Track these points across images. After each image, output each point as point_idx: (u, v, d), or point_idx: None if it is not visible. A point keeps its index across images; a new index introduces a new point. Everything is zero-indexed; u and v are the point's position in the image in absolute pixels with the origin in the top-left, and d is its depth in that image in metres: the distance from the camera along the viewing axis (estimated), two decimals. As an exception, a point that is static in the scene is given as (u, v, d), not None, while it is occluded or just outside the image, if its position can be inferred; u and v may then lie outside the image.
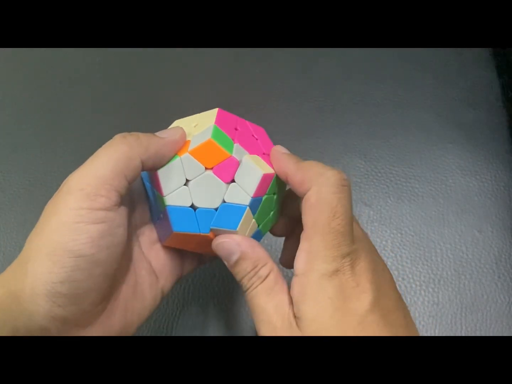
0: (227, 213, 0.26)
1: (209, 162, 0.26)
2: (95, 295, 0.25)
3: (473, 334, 0.38)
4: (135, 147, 0.25)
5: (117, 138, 0.25)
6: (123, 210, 0.26)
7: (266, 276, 0.25)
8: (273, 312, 0.25)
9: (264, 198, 0.27)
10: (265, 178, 0.26)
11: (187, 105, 0.48)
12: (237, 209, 0.26)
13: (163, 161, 0.26)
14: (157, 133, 0.27)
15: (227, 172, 0.26)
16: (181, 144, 0.27)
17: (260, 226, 0.28)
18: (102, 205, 0.24)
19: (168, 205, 0.26)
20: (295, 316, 0.24)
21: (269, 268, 0.26)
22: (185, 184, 0.26)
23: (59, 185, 0.27)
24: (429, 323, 0.38)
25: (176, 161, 0.26)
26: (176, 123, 0.30)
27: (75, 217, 0.23)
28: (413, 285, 0.40)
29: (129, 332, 0.27)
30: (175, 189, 0.26)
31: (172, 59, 0.51)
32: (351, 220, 0.25)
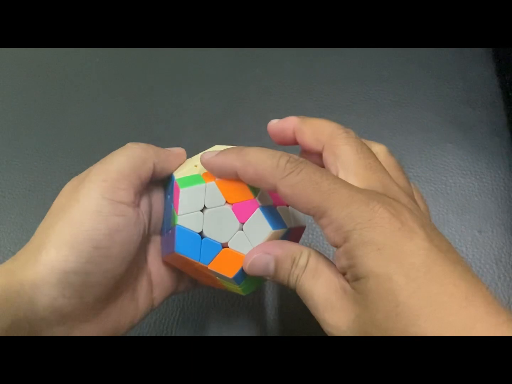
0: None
1: (232, 197, 0.26)
2: (100, 291, 0.25)
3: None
4: (148, 151, 0.27)
5: (131, 144, 0.27)
6: (140, 212, 0.27)
7: (306, 263, 0.24)
8: (324, 290, 0.23)
9: None
10: (274, 235, 0.26)
11: (187, 105, 0.48)
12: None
13: (171, 168, 0.28)
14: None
15: (245, 213, 0.26)
16: (184, 158, 0.29)
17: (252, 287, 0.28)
18: (122, 198, 0.25)
19: (178, 225, 0.26)
20: (350, 283, 0.22)
21: (306, 255, 0.24)
22: (201, 210, 0.26)
23: (60, 186, 0.27)
24: (429, 323, 0.38)
25: (201, 185, 0.26)
26: (216, 147, 0.30)
27: (98, 206, 0.24)
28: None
29: (118, 334, 0.28)
30: (190, 212, 0.26)
31: (172, 59, 0.51)
32: (380, 164, 0.25)
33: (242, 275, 0.26)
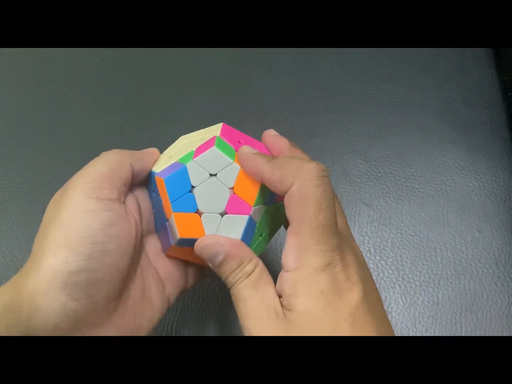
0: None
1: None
2: (108, 288, 0.25)
3: (473, 334, 0.38)
4: (122, 153, 0.28)
5: (105, 152, 0.28)
6: (128, 208, 0.28)
7: (252, 271, 0.26)
8: (258, 304, 0.25)
9: (265, 207, 0.28)
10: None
11: (187, 105, 0.48)
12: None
13: (148, 166, 0.29)
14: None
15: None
16: (157, 155, 0.30)
17: (264, 234, 0.29)
18: (107, 196, 0.26)
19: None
20: (283, 308, 0.24)
21: (254, 264, 0.26)
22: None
23: (60, 185, 0.27)
24: (429, 323, 0.38)
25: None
26: (182, 138, 0.32)
27: (85, 205, 0.25)
28: (413, 285, 0.40)
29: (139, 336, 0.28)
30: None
31: (172, 59, 0.51)
32: (335, 212, 0.25)
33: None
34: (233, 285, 0.26)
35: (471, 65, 0.49)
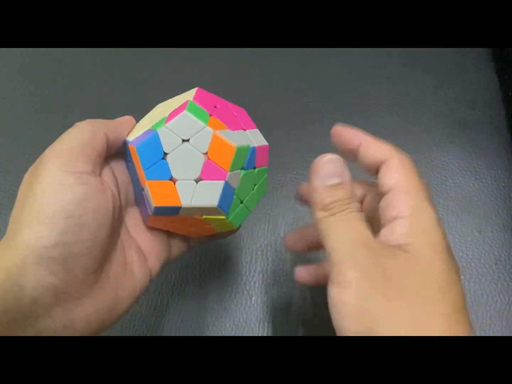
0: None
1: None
2: (86, 260, 0.25)
3: (473, 334, 0.38)
4: (96, 123, 0.28)
5: (78, 122, 0.28)
6: (104, 181, 0.27)
7: (360, 210, 0.25)
8: (372, 237, 0.24)
9: (243, 173, 0.27)
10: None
11: (187, 105, 0.48)
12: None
13: (122, 136, 0.29)
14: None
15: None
16: (133, 123, 0.30)
17: (245, 201, 0.29)
18: (82, 169, 0.25)
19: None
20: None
21: (359, 205, 0.26)
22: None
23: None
24: (429, 323, 0.38)
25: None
26: (159, 106, 0.31)
27: (59, 179, 0.25)
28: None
29: (121, 309, 0.28)
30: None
31: (172, 59, 0.51)
32: None
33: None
34: (343, 211, 0.25)
35: (471, 65, 0.49)
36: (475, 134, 0.46)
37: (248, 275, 0.40)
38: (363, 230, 0.24)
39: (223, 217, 0.27)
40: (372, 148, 0.28)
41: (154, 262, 0.30)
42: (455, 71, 0.49)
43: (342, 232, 0.24)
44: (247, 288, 0.40)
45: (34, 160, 0.27)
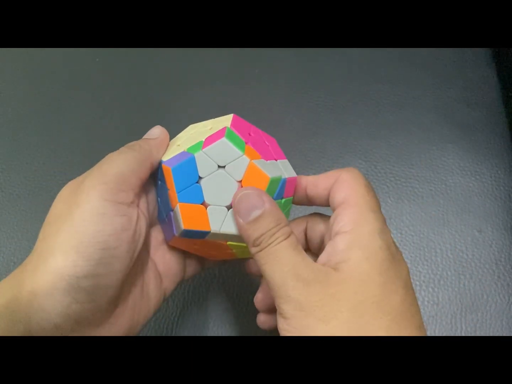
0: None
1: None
2: (112, 292, 0.25)
3: (473, 334, 0.38)
4: (144, 153, 0.27)
5: (127, 147, 0.27)
6: (140, 211, 0.27)
7: (290, 235, 0.25)
8: (302, 264, 0.24)
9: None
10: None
11: (187, 104, 0.48)
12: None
13: (161, 158, 0.28)
14: (145, 136, 0.29)
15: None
16: (167, 141, 0.29)
17: None
18: (123, 200, 0.25)
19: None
20: (330, 267, 0.24)
21: (290, 229, 0.25)
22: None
23: (60, 186, 0.27)
24: (429, 323, 0.38)
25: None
26: (191, 127, 0.31)
27: (100, 208, 0.24)
28: (413, 285, 0.39)
29: (134, 332, 0.28)
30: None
31: (172, 59, 0.51)
32: None
33: None
34: (270, 244, 0.24)
35: (471, 65, 0.49)
36: (475, 134, 0.46)
37: (249, 274, 0.40)
38: (293, 258, 0.24)
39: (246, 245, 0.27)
40: (320, 180, 0.28)
41: (169, 283, 0.30)
42: (455, 71, 0.49)
43: (272, 267, 0.24)
44: (247, 288, 0.40)
45: (33, 160, 0.27)
